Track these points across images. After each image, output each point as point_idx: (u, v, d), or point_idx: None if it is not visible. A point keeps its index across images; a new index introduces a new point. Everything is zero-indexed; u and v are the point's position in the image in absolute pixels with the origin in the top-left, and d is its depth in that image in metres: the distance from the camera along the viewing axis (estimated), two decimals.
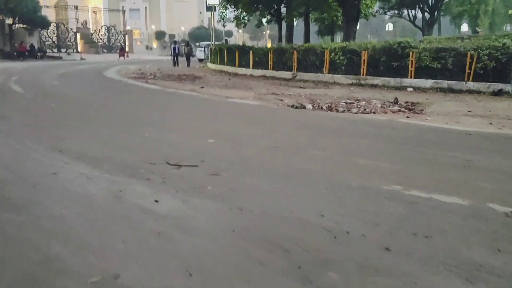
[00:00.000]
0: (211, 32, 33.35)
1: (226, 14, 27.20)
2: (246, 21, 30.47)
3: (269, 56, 17.16)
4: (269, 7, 27.82)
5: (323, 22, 30.44)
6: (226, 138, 5.43)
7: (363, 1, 21.24)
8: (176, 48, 24.83)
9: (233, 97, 10.47)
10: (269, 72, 17.08)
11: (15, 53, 37.21)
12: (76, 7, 55.77)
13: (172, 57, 24.99)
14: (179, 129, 6.19)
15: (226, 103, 9.63)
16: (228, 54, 20.82)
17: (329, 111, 8.17)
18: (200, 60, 34.26)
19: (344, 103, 9.15)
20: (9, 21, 39.76)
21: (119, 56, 41.88)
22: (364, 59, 13.21)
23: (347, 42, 15.37)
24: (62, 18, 60.10)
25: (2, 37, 40.03)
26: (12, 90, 11.82)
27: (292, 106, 8.75)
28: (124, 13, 59.96)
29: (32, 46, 41.07)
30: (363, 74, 13.28)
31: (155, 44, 65.47)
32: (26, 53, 38.80)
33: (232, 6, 27.69)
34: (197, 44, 45.70)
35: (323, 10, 25.58)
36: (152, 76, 17.48)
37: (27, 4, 37.35)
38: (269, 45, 61.06)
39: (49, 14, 57.38)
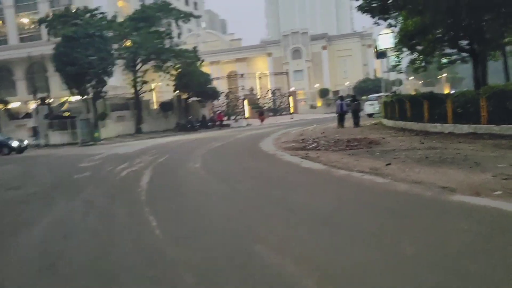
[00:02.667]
0: (381, 82, 28.88)
1: (401, 60, 22.45)
2: (424, 64, 25.08)
3: (480, 103, 11.73)
4: (456, 44, 22.08)
5: None
6: None
7: None
8: (343, 105, 20.79)
9: (459, 189, 5.68)
10: (483, 128, 11.60)
11: (188, 126, 38.88)
12: (242, 75, 58.04)
13: (338, 116, 20.99)
14: None
15: (455, 210, 4.95)
16: (411, 105, 15.92)
17: None
18: (370, 115, 29.66)
19: None
20: (184, 96, 42.45)
21: (260, 121, 40.57)
22: None
23: None
24: (233, 86, 63.60)
25: (179, 111, 42.76)
26: (139, 179, 9.33)
27: None
28: (288, 76, 60.08)
29: (203, 116, 42.87)
30: None
31: (319, 103, 63.66)
32: (199, 124, 40.45)
33: (407, 49, 22.78)
34: (363, 97, 41.51)
35: None
36: (314, 145, 13.74)
37: (198, 79, 39.17)
38: (446, 90, 52.94)
39: (222, 84, 61.32)
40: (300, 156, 11.00)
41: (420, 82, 73.25)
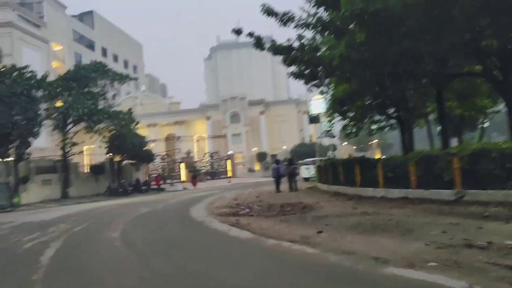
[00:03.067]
0: (315, 147, 29.51)
1: (333, 125, 23.10)
2: (355, 129, 26.08)
3: (409, 168, 11.91)
4: (384, 111, 23.34)
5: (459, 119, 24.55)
6: None
7: None
8: (280, 169, 20.59)
9: (392, 261, 5.24)
10: (413, 192, 11.67)
11: (119, 190, 36.84)
12: (178, 137, 57.46)
13: (274, 180, 20.64)
14: None
15: (388, 285, 4.46)
16: (344, 170, 16.01)
17: None
18: (306, 179, 29.86)
19: None
20: (117, 158, 40.59)
21: (193, 186, 40.01)
22: None
23: None
24: (171, 149, 62.42)
25: (111, 174, 40.64)
26: (43, 252, 8.05)
27: None
28: (226, 139, 60.39)
29: (137, 180, 41.05)
30: None
31: (257, 167, 63.99)
32: (132, 188, 38.56)
33: (338, 115, 23.55)
34: (299, 161, 42.20)
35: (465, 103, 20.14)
36: (247, 210, 13.11)
37: (133, 141, 37.84)
38: (377, 156, 55.51)
39: (159, 146, 59.99)
40: (229, 223, 10.27)
41: (353, 148, 76.56)
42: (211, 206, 16.21)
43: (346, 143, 79.17)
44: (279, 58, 16.34)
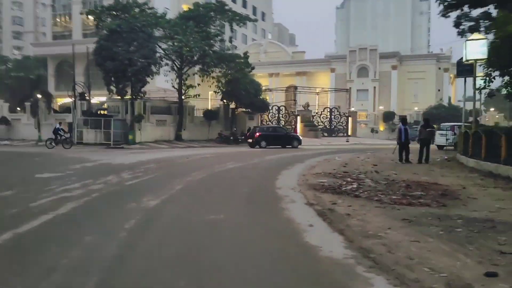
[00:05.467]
0: (462, 110, 23.54)
1: (491, 81, 16.95)
2: None
3: None
4: None
5: None
6: None
7: None
8: (406, 131, 15.58)
9: None
10: None
11: (231, 138, 35.27)
12: (295, 88, 53.86)
13: (398, 146, 15.81)
14: None
15: None
16: (509, 142, 10.82)
17: None
18: (440, 148, 24.09)
19: None
20: (232, 105, 39.06)
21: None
22: None
23: None
24: (290, 100, 59.47)
25: (224, 121, 39.40)
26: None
27: None
28: (349, 94, 54.93)
29: (249, 130, 39.13)
30: None
31: (381, 127, 57.57)
32: (243, 138, 36.84)
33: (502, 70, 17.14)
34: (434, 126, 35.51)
35: None
36: (354, 185, 9.20)
37: (247, 88, 35.48)
38: None
39: (279, 97, 57.41)
40: (319, 208, 6.61)
41: (501, 115, 64.50)
42: (310, 170, 12.60)
43: (492, 109, 67.13)
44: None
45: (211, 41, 33.25)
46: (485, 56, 13.54)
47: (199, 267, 4.00)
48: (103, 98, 36.00)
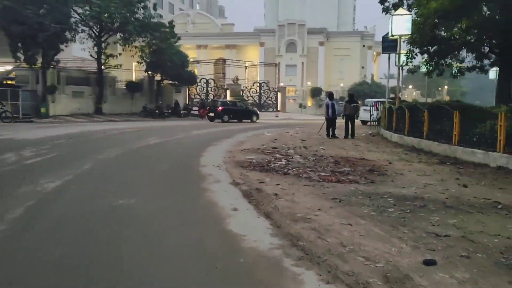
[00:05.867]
0: (387, 84, 24.30)
1: (413, 57, 17.36)
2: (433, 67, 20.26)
3: None
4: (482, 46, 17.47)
5: None
6: None
7: None
8: (333, 106, 15.53)
9: None
10: None
11: (156, 111, 33.62)
12: (224, 60, 52.82)
13: (326, 120, 15.68)
14: None
15: None
16: (431, 118, 11.02)
17: None
18: (364, 123, 24.78)
19: None
20: (157, 77, 37.13)
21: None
22: None
23: None
24: (219, 73, 58.20)
25: (149, 93, 37.44)
26: None
27: None
28: (278, 68, 54.93)
29: (176, 103, 37.63)
30: None
31: (309, 103, 58.68)
32: (169, 111, 35.36)
33: (422, 48, 17.53)
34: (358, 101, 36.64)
35: None
36: (283, 161, 8.78)
37: (173, 59, 33.75)
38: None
39: (208, 70, 55.92)
40: (245, 188, 6.03)
41: (418, 92, 68.69)
42: (238, 146, 12.02)
43: (411, 87, 71.18)
44: None
45: (134, 7, 30.96)
46: (409, 32, 13.66)
47: (94, 273, 3.22)
48: (10, 67, 32.38)
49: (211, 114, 29.35)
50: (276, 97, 50.82)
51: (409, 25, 13.44)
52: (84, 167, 7.74)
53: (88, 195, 5.67)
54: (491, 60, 20.64)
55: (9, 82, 29.64)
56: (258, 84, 52.03)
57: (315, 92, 58.31)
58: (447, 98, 60.15)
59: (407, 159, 9.49)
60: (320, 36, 64.37)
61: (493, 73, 26.84)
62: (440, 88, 60.66)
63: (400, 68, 19.21)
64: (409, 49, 16.09)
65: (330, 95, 16.25)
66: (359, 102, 17.05)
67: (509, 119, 7.92)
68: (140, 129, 19.38)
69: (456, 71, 20.83)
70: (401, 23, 13.48)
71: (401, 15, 13.46)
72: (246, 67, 54.84)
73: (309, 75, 64.39)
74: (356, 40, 66.13)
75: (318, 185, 6.39)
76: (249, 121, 29.19)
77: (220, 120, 27.89)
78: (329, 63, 65.36)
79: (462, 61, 20.88)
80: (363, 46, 66.60)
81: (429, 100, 52.78)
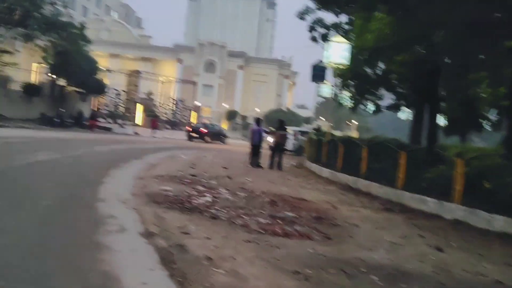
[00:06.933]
0: (292, 116, 23.87)
1: (344, 88, 16.81)
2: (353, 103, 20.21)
3: None
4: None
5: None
6: None
7: None
8: (260, 133, 14.13)
9: None
10: None
11: (56, 120, 29.66)
12: (138, 72, 49.90)
13: (251, 148, 14.17)
14: None
15: None
16: (371, 155, 10.09)
17: None
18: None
19: None
20: (61, 82, 33.14)
21: (152, 130, 33.14)
22: None
23: None
24: (132, 86, 54.70)
25: (51, 99, 33.22)
26: None
27: None
28: (196, 88, 53.21)
29: (80, 113, 33.82)
30: None
31: (224, 125, 57.57)
32: (72, 121, 31.57)
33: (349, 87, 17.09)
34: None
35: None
36: (208, 199, 7.02)
37: (80, 63, 30.31)
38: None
39: (120, 82, 52.06)
40: (162, 244, 4.16)
41: (330, 125, 71.13)
42: (150, 171, 9.98)
43: (323, 118, 73.56)
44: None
45: (38, 1, 27.31)
46: (346, 62, 12.90)
47: None
48: None
49: (194, 134, 32.15)
50: (190, 116, 48.88)
51: (347, 54, 12.69)
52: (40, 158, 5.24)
53: None
54: (409, 100, 21.10)
55: None
56: (174, 101, 49.70)
57: (231, 115, 57.45)
58: (354, 132, 63.10)
59: (348, 202, 8.30)
60: (239, 59, 64.25)
61: (403, 114, 27.92)
62: (347, 122, 63.32)
63: (334, 98, 18.59)
64: (343, 82, 15.39)
65: (257, 120, 14.78)
66: (287, 129, 15.87)
67: (469, 165, 7.08)
68: (32, 139, 16.21)
69: (375, 108, 20.84)
70: (339, 51, 12.70)
71: (339, 43, 12.68)
72: (161, 82, 52.25)
73: (226, 97, 63.59)
74: (273, 68, 67.15)
75: (262, 241, 4.75)
76: (221, 143, 33.15)
77: (202, 141, 31.04)
78: (246, 87, 65.29)
79: (380, 98, 21.09)
80: (280, 74, 67.80)
81: (339, 132, 54.62)
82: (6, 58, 27.97)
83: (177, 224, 5.16)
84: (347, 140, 11.85)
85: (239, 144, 33.30)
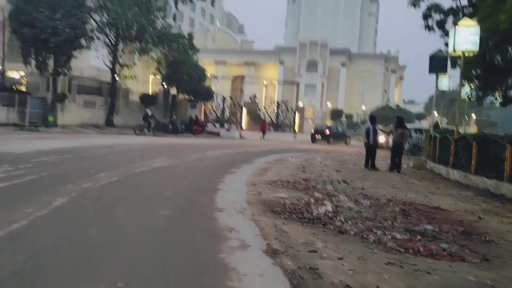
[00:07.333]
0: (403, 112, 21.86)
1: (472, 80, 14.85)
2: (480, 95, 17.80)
3: None
4: None
5: None
6: None
7: None
8: (375, 131, 13.03)
9: None
10: None
11: (170, 126, 31.56)
12: (242, 77, 50.86)
13: (366, 148, 13.14)
14: None
15: None
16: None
17: None
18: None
19: None
20: (173, 91, 35.33)
21: (262, 133, 33.95)
22: None
23: None
24: (236, 91, 56.33)
25: (164, 107, 35.58)
26: None
27: None
28: (298, 88, 52.88)
29: (191, 118, 35.58)
30: None
31: (328, 124, 56.26)
32: (184, 127, 33.27)
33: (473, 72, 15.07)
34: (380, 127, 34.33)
35: None
36: (328, 208, 6.37)
37: (190, 72, 31.90)
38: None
39: (225, 87, 53.96)
40: (292, 266, 3.61)
41: (445, 120, 65.54)
42: (262, 176, 9.66)
43: (435, 112, 68.08)
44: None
45: (152, 15, 29.29)
46: (476, 48, 11.22)
47: None
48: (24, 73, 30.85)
49: (317, 136, 34.01)
50: (294, 117, 48.62)
51: (476, 38, 11.03)
52: (54, 204, 5.45)
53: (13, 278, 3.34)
54: None
55: (19, 87, 28.09)
56: (276, 104, 49.92)
57: (336, 114, 55.91)
58: (474, 128, 57.13)
59: (495, 212, 7.01)
60: (342, 57, 62.40)
61: None
62: (466, 117, 57.54)
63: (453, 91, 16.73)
64: (465, 71, 13.54)
65: (372, 118, 13.63)
66: (408, 127, 14.50)
67: None
68: (150, 146, 17.18)
69: (502, 100, 18.13)
70: (467, 36, 11.10)
71: (467, 27, 11.08)
72: (265, 86, 52.88)
73: (329, 96, 62.20)
74: (379, 63, 64.00)
75: (406, 263, 3.97)
76: (345, 144, 33.70)
77: (326, 142, 32.48)
78: (350, 85, 63.15)
79: (510, 88, 18.42)
80: (386, 69, 64.35)
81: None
82: (126, 71, 30.43)
83: (301, 239, 4.61)
84: (484, 138, 10.24)
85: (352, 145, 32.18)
